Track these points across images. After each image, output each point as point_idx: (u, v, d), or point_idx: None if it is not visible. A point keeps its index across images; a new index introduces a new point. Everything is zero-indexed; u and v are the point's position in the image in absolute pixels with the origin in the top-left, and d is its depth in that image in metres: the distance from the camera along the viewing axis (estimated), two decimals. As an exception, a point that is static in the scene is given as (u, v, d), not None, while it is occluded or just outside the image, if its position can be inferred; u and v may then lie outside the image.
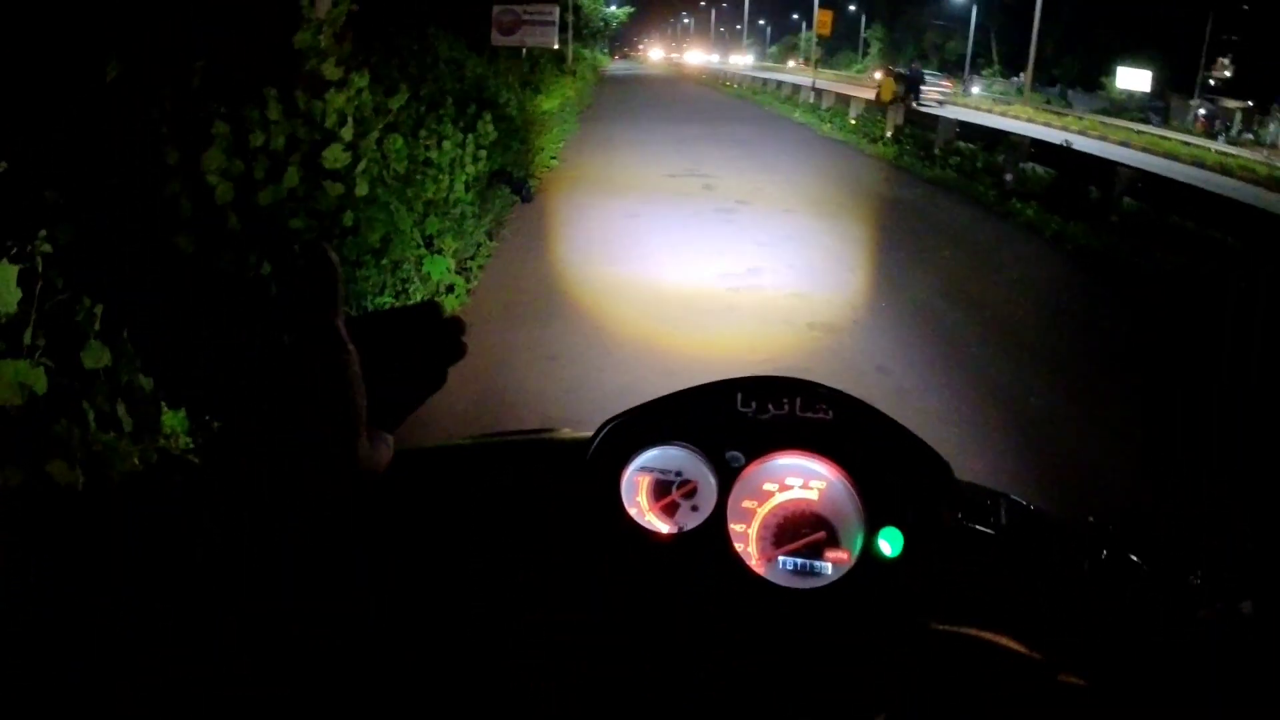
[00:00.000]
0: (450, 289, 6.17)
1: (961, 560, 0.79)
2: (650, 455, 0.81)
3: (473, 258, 7.21)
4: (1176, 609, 0.80)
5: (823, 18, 32.53)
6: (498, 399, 4.41)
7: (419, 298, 5.74)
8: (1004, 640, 0.75)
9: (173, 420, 3.35)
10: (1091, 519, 0.91)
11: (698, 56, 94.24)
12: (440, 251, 6.52)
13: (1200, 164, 24.77)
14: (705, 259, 7.63)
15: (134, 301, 3.59)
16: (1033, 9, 38.68)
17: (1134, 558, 0.85)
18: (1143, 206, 10.39)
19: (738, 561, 0.77)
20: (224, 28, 5.37)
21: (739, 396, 0.82)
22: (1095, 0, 46.72)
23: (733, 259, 7.60)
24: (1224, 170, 23.82)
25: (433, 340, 0.65)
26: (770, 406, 0.81)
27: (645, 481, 0.80)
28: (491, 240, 7.96)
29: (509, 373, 4.79)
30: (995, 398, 5.00)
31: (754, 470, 0.80)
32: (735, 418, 0.81)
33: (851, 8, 75.49)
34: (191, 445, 3.35)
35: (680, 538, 0.78)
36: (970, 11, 59.52)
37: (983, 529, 0.84)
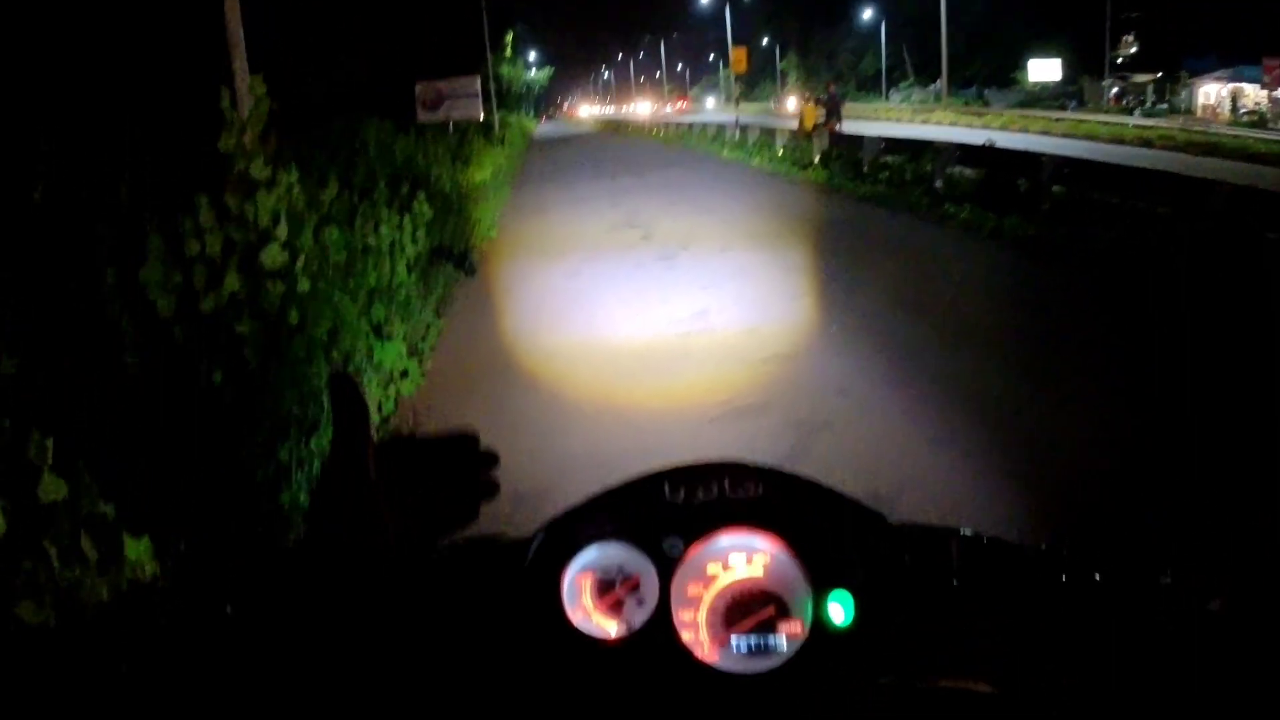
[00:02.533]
0: (404, 374, 6.14)
1: (918, 611, 0.77)
2: (589, 555, 0.79)
3: (423, 339, 7.19)
4: (1143, 621, 0.77)
5: (738, 55, 33.03)
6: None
7: (374, 387, 5.71)
8: (973, 686, 0.73)
9: (136, 550, 3.29)
10: (1043, 546, 0.90)
11: (642, 106, 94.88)
12: (390, 337, 6.51)
13: (1120, 140, 25.40)
14: (652, 308, 7.67)
15: (86, 428, 3.54)
16: (939, 17, 39.67)
17: (1096, 576, 0.83)
18: (1070, 190, 10.62)
19: (687, 654, 0.75)
20: (147, 139, 5.37)
21: (666, 486, 0.80)
22: (998, 1, 48.07)
23: (679, 305, 7.65)
24: (1144, 142, 24.45)
25: (463, 475, 0.68)
26: (699, 492, 0.80)
27: (588, 582, 0.78)
28: (439, 318, 7.95)
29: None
30: (957, 396, 5.05)
31: (695, 554, 0.78)
32: (666, 507, 0.80)
33: (765, 40, 76.91)
34: (159, 572, 3.29)
35: (629, 638, 0.76)
36: (879, 27, 60.93)
37: (935, 573, 0.82)
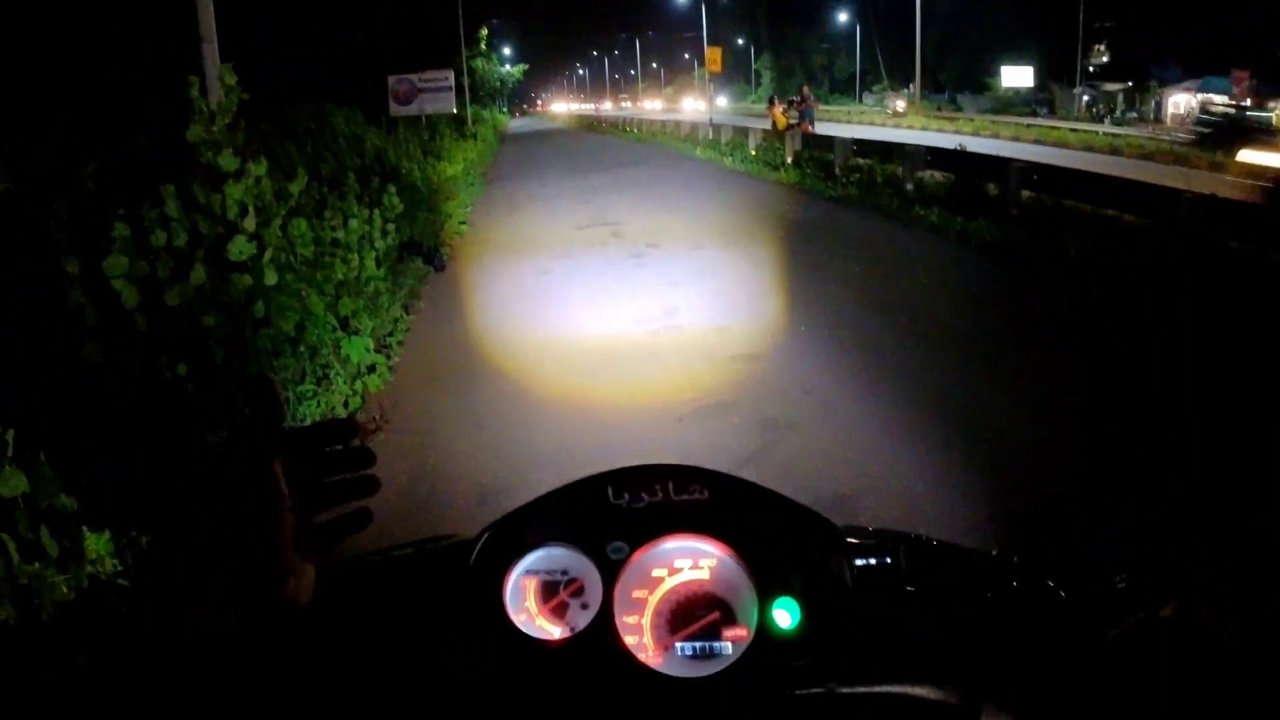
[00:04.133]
0: (372, 369, 6.11)
1: (865, 617, 0.77)
2: (534, 558, 0.79)
3: (391, 334, 7.15)
4: (1094, 626, 0.77)
5: (712, 55, 33.05)
6: (431, 473, 4.37)
7: (340, 382, 5.67)
8: (920, 691, 0.73)
9: (97, 544, 3.26)
10: (995, 552, 0.91)
11: (605, 105, 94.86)
12: (357, 332, 6.46)
13: (1090, 148, 25.68)
14: (621, 306, 7.68)
15: (46, 420, 3.49)
16: (914, 21, 39.90)
17: (1049, 582, 0.84)
18: (1040, 196, 10.73)
19: (628, 657, 0.75)
20: (114, 127, 5.29)
21: (609, 490, 0.81)
22: (971, 5, 48.44)
23: (649, 302, 7.66)
24: (1113, 150, 24.72)
25: (349, 467, 0.68)
26: (644, 495, 0.80)
27: (532, 585, 0.78)
28: (408, 314, 7.91)
29: (439, 444, 4.74)
30: (921, 396, 5.10)
31: (639, 558, 0.78)
32: (611, 510, 0.80)
33: (740, 41, 77.05)
34: (119, 568, 3.26)
35: (572, 640, 0.76)
36: (854, 30, 61.20)
37: (883, 580, 0.82)
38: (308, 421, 4.99)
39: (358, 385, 5.81)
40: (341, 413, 5.38)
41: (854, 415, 4.94)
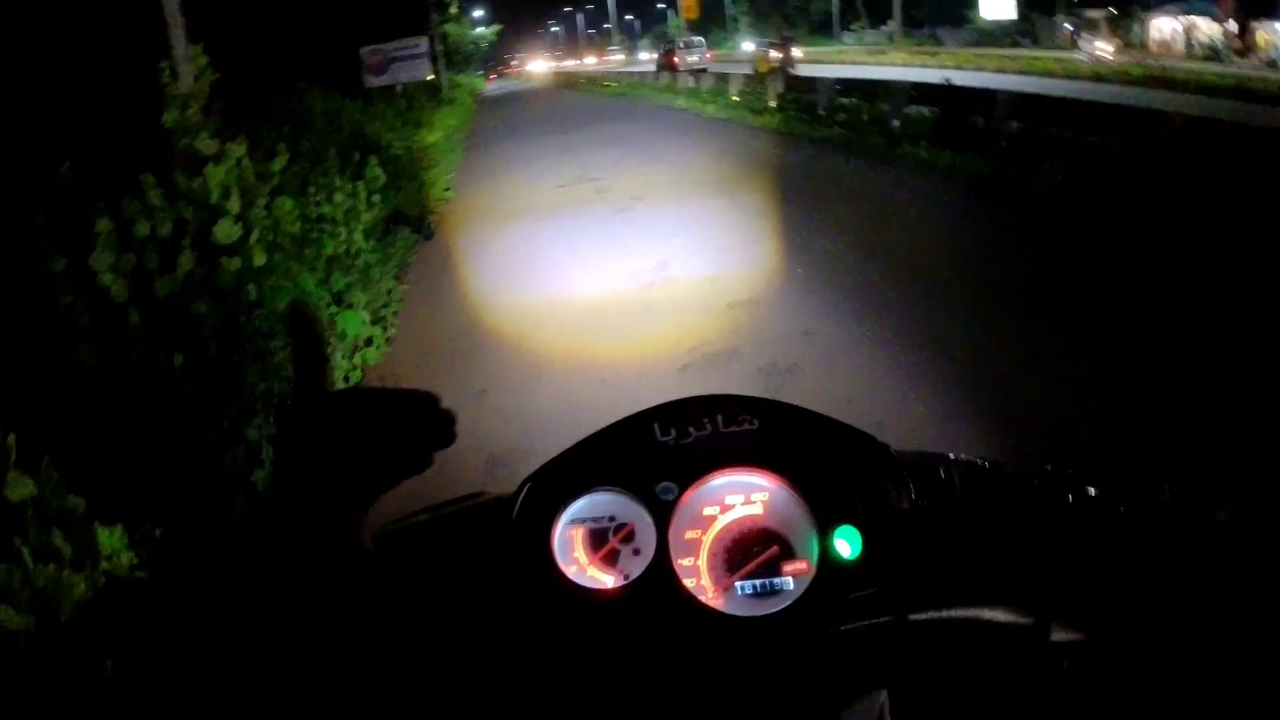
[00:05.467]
0: (369, 342, 6.09)
1: (925, 541, 0.75)
2: (578, 506, 0.76)
3: (385, 305, 7.12)
4: (1150, 536, 0.76)
5: (688, 1, 32.74)
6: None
7: (338, 357, 5.65)
8: (987, 613, 0.72)
9: (110, 540, 3.25)
10: (1049, 467, 0.89)
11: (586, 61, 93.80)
12: (352, 306, 6.44)
13: (1074, 76, 25.49)
14: (613, 262, 7.63)
15: (49, 421, 3.47)
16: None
17: (1095, 492, 0.82)
18: (1025, 126, 10.65)
19: (691, 599, 0.73)
20: (87, 120, 5.21)
21: (656, 427, 0.78)
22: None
23: (640, 257, 7.60)
24: (1098, 78, 24.55)
25: (422, 425, 0.67)
26: (691, 429, 0.77)
27: (579, 534, 0.75)
28: (400, 284, 7.87)
29: (441, 414, 4.72)
30: (921, 334, 5.08)
31: (690, 498, 0.76)
32: (657, 448, 0.77)
33: (713, -14, 76.15)
34: (135, 562, 3.25)
35: (627, 588, 0.73)
36: (827, -32, 60.40)
37: (940, 501, 0.80)
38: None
39: (356, 359, 5.79)
40: (342, 387, 5.36)
41: (855, 357, 4.94)
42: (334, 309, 6.13)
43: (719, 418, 0.78)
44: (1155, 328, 4.67)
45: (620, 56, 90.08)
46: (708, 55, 41.10)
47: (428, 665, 0.70)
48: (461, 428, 0.71)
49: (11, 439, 2.88)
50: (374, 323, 6.47)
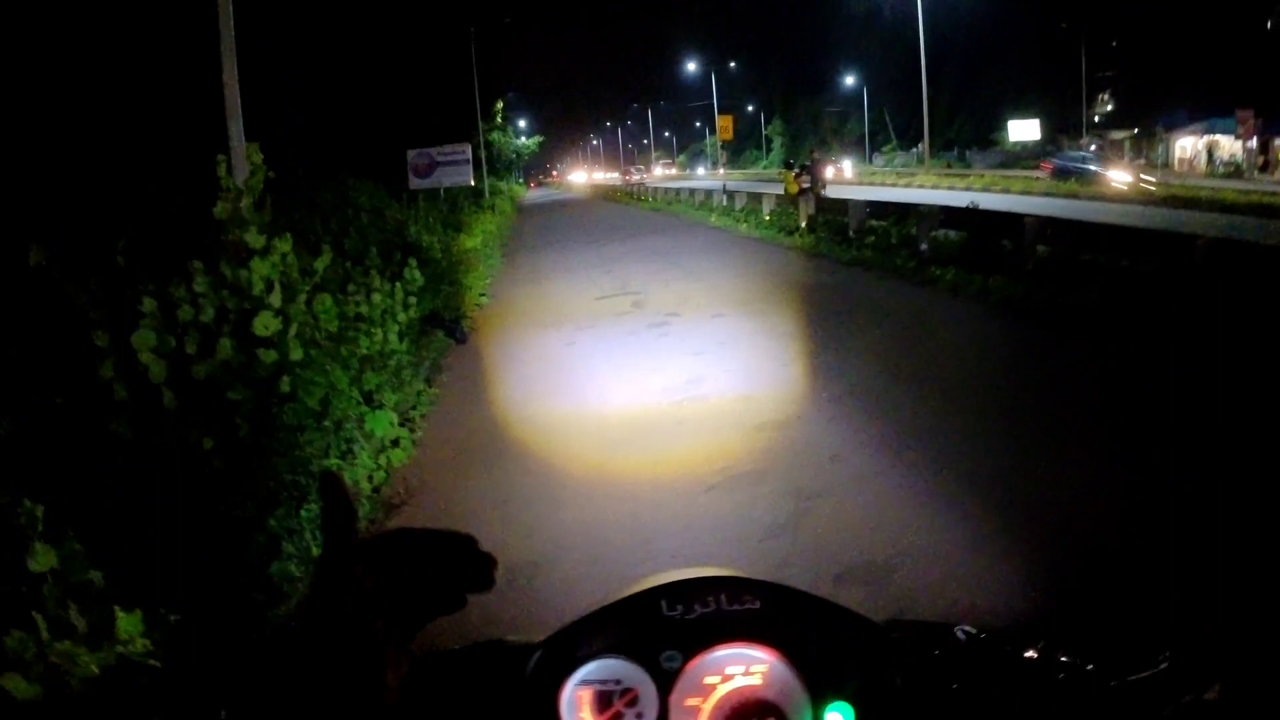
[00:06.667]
0: (396, 443, 6.11)
1: (915, 717, 0.79)
2: (588, 669, 0.80)
3: (414, 407, 7.17)
4: (1142, 712, 0.79)
5: (723, 122, 33.76)
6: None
7: (365, 457, 5.67)
8: None
9: (128, 624, 3.23)
10: (1043, 642, 0.92)
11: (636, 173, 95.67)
12: (381, 406, 6.48)
13: (1101, 198, 25.79)
14: (645, 376, 7.68)
15: (76, 495, 3.50)
16: (920, 81, 40.45)
17: (1096, 669, 0.85)
18: (1054, 249, 10.75)
19: None
20: (145, 204, 5.39)
21: (663, 603, 0.82)
22: (976, 64, 49.07)
23: (672, 372, 7.66)
24: (1123, 199, 24.82)
25: (460, 569, 0.71)
26: (697, 606, 0.81)
27: (587, 695, 0.79)
28: (431, 387, 7.94)
29: (465, 521, 4.72)
30: (949, 462, 5.03)
31: (693, 667, 0.80)
32: (664, 621, 0.81)
33: (750, 108, 78.16)
34: (150, 648, 3.23)
35: None
36: (862, 92, 61.99)
37: (931, 678, 0.84)
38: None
39: (382, 459, 5.80)
40: (366, 487, 5.37)
41: (883, 483, 4.89)
42: (364, 408, 6.18)
43: (723, 596, 0.82)
44: (1191, 463, 4.62)
45: (673, 170, 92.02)
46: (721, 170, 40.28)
47: None
48: (483, 537, 0.74)
49: (39, 510, 2.90)
50: (402, 424, 6.51)
